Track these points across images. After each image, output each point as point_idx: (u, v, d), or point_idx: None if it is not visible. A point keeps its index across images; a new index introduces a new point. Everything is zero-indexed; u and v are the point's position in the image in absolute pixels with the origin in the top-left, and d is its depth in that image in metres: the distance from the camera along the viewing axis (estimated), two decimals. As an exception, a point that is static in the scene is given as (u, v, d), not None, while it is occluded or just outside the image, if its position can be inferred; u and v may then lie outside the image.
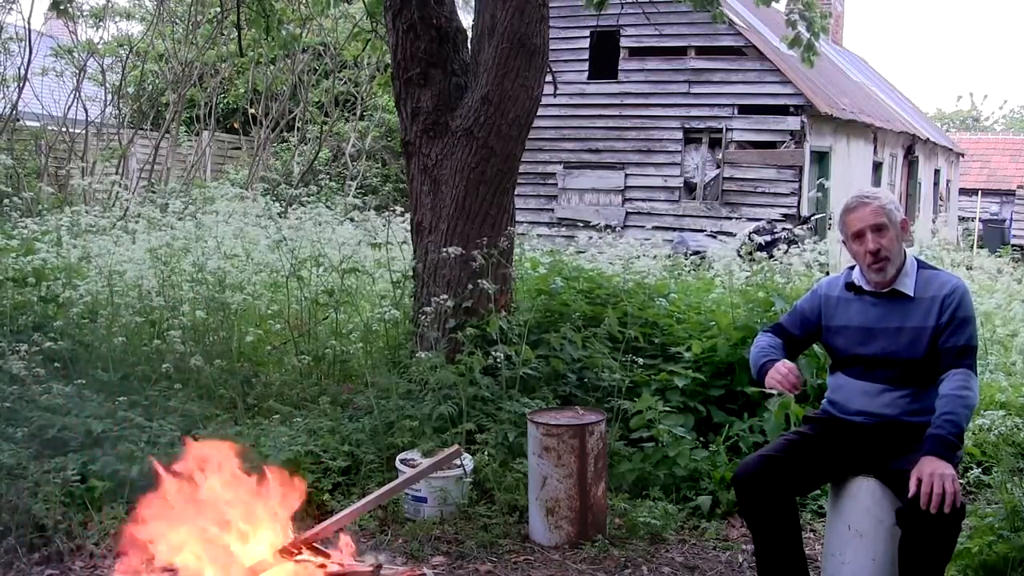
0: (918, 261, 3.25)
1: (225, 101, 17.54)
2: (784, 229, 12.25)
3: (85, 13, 13.48)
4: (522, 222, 9.11)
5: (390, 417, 4.62)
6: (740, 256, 6.62)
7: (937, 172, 24.27)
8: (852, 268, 3.31)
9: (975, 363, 3.10)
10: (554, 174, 17.18)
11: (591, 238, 7.58)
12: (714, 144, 16.19)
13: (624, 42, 16.54)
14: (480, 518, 4.15)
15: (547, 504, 4.01)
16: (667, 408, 4.67)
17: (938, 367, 3.09)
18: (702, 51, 16.19)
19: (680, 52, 16.31)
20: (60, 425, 4.16)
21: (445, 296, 4.91)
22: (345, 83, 17.14)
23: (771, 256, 6.90)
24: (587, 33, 16.42)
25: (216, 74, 15.69)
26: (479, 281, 4.90)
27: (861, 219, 3.16)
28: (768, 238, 10.97)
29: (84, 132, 13.07)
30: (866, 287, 3.23)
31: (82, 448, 4.14)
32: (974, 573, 3.50)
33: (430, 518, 4.16)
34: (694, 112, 16.26)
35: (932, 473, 2.81)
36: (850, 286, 3.27)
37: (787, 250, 7.04)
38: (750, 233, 8.61)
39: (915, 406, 3.13)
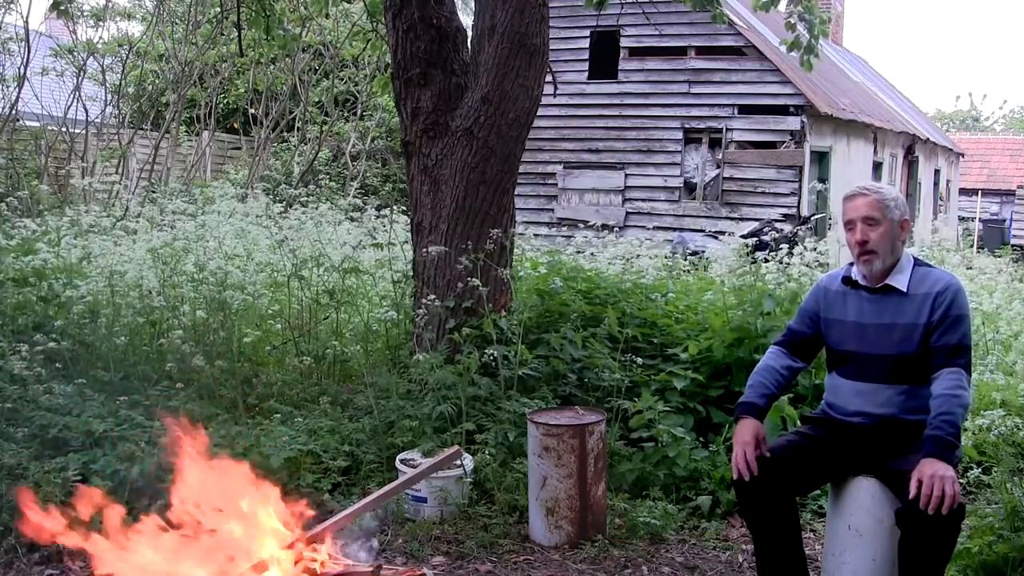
0: (915, 259, 3.26)
1: (225, 101, 17.54)
2: (784, 229, 12.26)
3: (85, 13, 13.47)
4: (522, 222, 9.13)
5: (390, 417, 4.62)
6: (740, 256, 6.61)
7: (937, 172, 24.27)
8: (852, 264, 3.33)
9: (969, 363, 3.09)
10: (554, 174, 17.18)
11: (587, 238, 7.59)
12: (714, 144, 16.19)
13: (624, 42, 16.54)
14: (480, 518, 4.15)
15: (547, 504, 4.02)
16: (666, 408, 4.67)
17: (931, 364, 3.09)
18: (702, 51, 16.19)
19: (680, 52, 16.30)
20: (61, 425, 4.16)
21: (433, 297, 4.91)
22: (345, 83, 17.13)
23: (770, 257, 6.90)
24: (587, 33, 16.41)
25: (216, 74, 15.68)
26: (478, 281, 4.90)
27: (855, 209, 3.18)
28: (766, 238, 10.98)
29: (84, 132, 13.08)
30: (861, 281, 3.24)
31: (83, 448, 4.14)
32: (974, 573, 3.50)
33: (430, 518, 4.17)
34: (694, 112, 16.26)
35: (933, 475, 2.81)
36: (846, 280, 3.29)
37: (789, 250, 7.04)
38: (749, 232, 8.61)
39: (911, 403, 3.13)
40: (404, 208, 9.15)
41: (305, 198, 8.08)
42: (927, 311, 3.10)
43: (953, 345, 3.06)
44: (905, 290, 3.16)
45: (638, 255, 6.97)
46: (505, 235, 5.17)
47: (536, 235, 11.89)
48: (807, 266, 6.71)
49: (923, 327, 3.10)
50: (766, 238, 10.77)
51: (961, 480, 3.56)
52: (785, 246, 7.45)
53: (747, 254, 6.31)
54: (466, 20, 5.96)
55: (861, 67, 25.59)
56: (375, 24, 7.91)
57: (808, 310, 3.39)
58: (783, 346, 3.41)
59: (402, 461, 4.30)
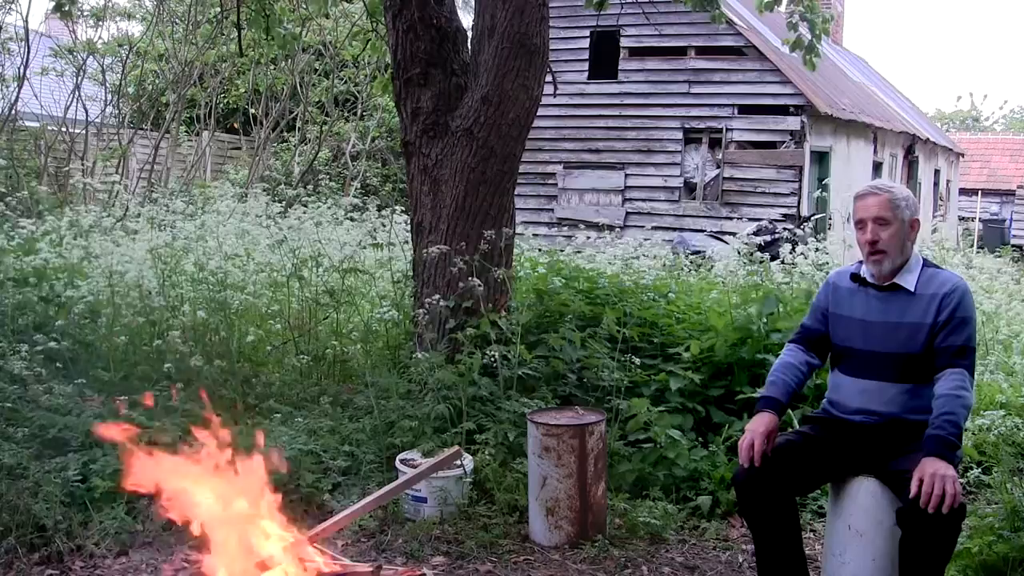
0: (924, 260, 3.26)
1: (225, 101, 17.53)
2: (784, 229, 12.25)
3: (85, 13, 13.47)
4: (522, 222, 9.12)
5: (390, 417, 4.62)
6: (740, 256, 6.61)
7: (937, 172, 24.26)
8: (862, 261, 3.33)
9: (973, 364, 3.09)
10: (554, 174, 17.17)
11: (589, 238, 7.58)
12: (714, 144, 16.19)
13: (624, 42, 16.53)
14: (480, 518, 4.15)
15: (547, 504, 4.01)
16: (665, 409, 4.66)
17: (935, 364, 3.09)
18: (702, 51, 16.18)
19: (680, 52, 16.30)
20: (61, 425, 4.16)
21: (437, 297, 4.91)
22: (345, 83, 17.13)
23: (774, 257, 6.90)
24: (587, 33, 16.40)
25: (216, 74, 15.68)
26: (479, 281, 4.90)
27: (865, 208, 3.19)
28: (768, 238, 10.98)
29: (84, 132, 13.08)
30: (870, 279, 3.25)
31: (83, 448, 4.14)
32: (974, 573, 3.50)
33: (430, 518, 4.16)
34: (694, 112, 16.26)
35: (934, 474, 2.81)
36: (855, 277, 3.30)
37: (791, 250, 7.03)
38: (750, 233, 8.61)
39: (914, 403, 3.13)
40: (404, 208, 9.16)
41: (305, 198, 8.08)
42: (933, 311, 3.11)
43: (958, 346, 3.06)
44: (913, 290, 3.16)
45: (638, 256, 6.97)
46: (505, 235, 5.16)
47: (536, 235, 11.89)
48: (811, 264, 6.69)
49: (929, 327, 3.10)
50: (767, 237, 10.77)
51: (961, 480, 3.56)
52: (788, 246, 7.45)
53: (750, 254, 6.30)
54: (466, 20, 5.96)
55: (861, 67, 25.59)
56: (375, 24, 7.90)
57: (819, 307, 3.40)
58: (799, 343, 3.42)
59: (402, 461, 4.30)
